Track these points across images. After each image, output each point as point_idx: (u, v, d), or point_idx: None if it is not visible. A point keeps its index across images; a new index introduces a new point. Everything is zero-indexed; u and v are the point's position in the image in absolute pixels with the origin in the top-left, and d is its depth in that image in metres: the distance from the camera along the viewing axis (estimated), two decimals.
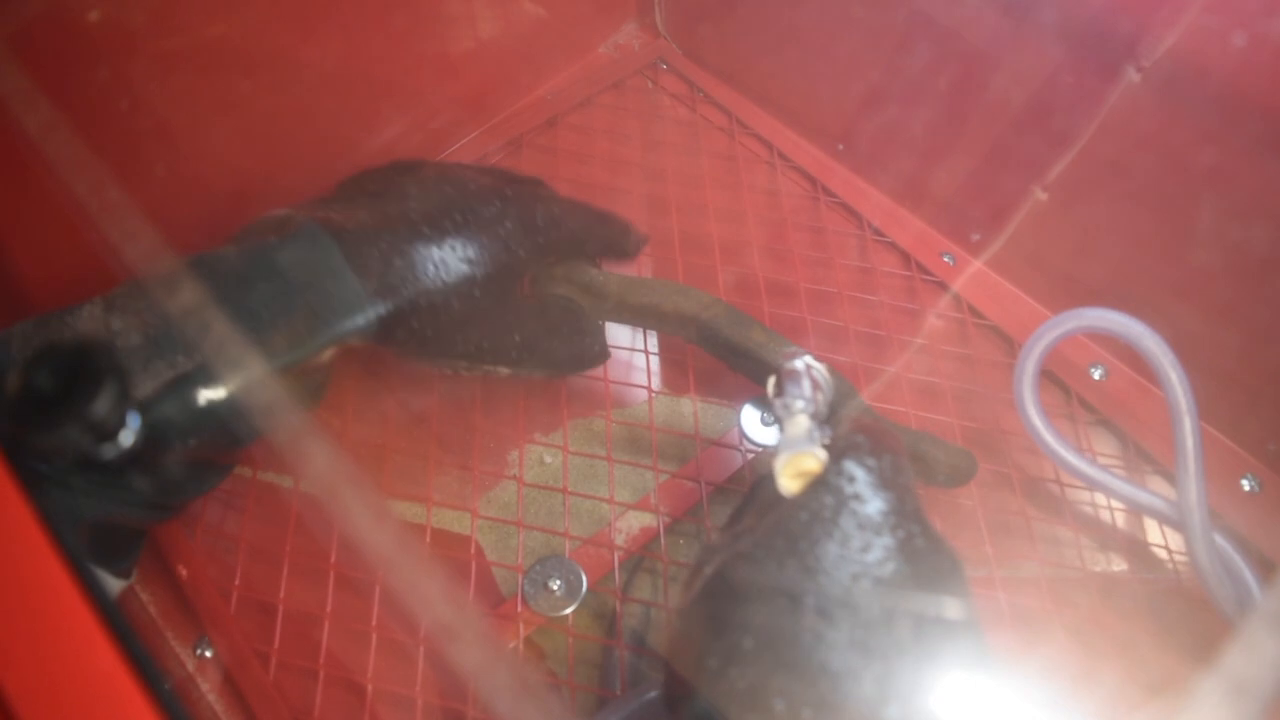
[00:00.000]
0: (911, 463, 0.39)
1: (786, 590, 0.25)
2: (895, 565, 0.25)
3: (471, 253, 0.37)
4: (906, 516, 0.27)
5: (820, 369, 0.34)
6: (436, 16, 0.51)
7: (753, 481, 0.33)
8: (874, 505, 0.26)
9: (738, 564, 0.27)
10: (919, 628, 0.25)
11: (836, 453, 0.28)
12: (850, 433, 0.29)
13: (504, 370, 0.40)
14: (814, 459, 0.28)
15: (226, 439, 0.34)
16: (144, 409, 0.31)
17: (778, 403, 0.31)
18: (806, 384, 0.32)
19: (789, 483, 0.28)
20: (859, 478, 0.27)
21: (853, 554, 0.25)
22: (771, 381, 0.34)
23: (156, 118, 0.41)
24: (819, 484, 0.27)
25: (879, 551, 0.26)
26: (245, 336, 0.33)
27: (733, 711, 0.24)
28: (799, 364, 0.33)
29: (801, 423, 0.29)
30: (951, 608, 0.26)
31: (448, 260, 0.37)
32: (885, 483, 0.27)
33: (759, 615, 0.25)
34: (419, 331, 0.37)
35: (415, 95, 0.52)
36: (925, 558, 0.26)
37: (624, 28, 0.63)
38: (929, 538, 0.27)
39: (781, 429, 0.30)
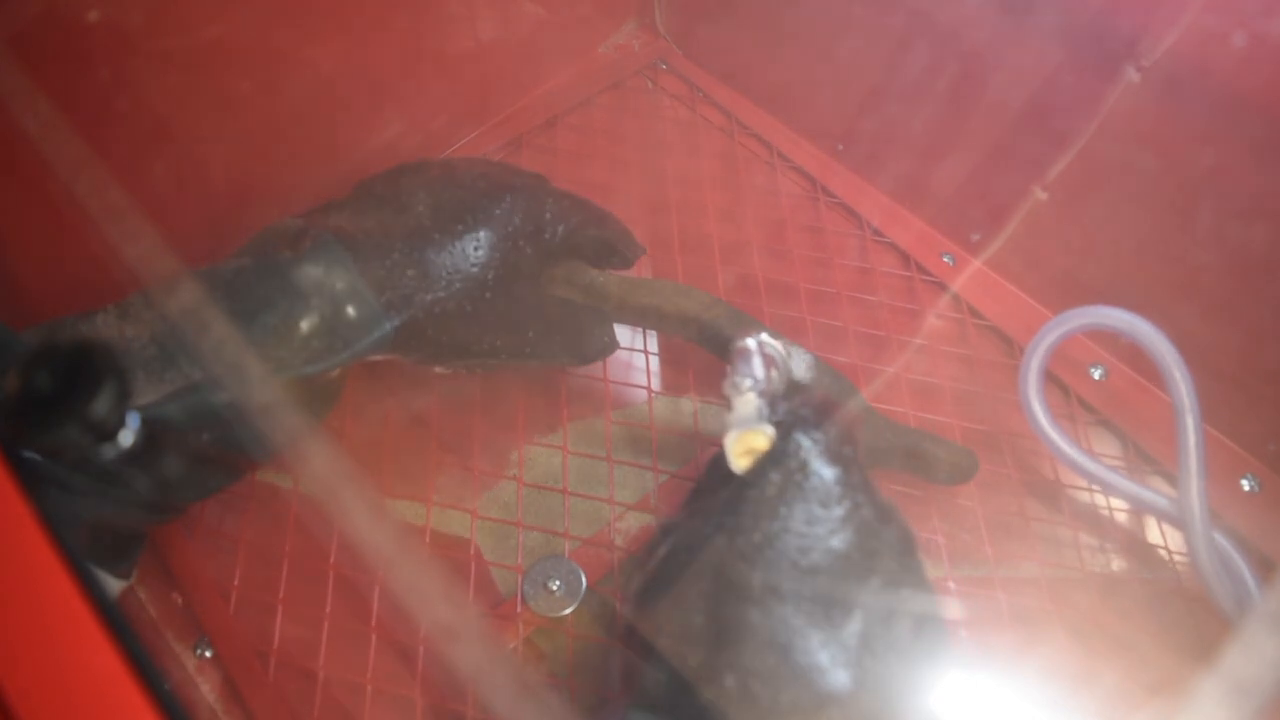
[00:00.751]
0: (913, 460, 0.39)
1: (734, 567, 0.25)
2: (842, 536, 0.26)
3: (482, 255, 0.37)
4: (852, 488, 0.27)
5: (776, 345, 0.34)
6: (436, 16, 0.51)
7: (706, 462, 0.33)
8: (819, 478, 0.27)
9: (688, 544, 0.27)
10: (866, 597, 0.25)
11: (784, 428, 0.28)
12: (797, 406, 0.29)
13: (516, 363, 0.40)
14: (763, 436, 0.28)
15: (236, 449, 0.35)
16: (154, 416, 0.31)
17: (725, 382, 0.31)
18: (757, 361, 0.32)
19: (739, 460, 0.28)
20: (804, 450, 0.27)
21: (799, 527, 0.26)
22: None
23: (156, 118, 0.41)
24: (765, 460, 0.27)
25: (826, 524, 0.26)
26: (260, 351, 0.34)
27: (685, 687, 0.24)
28: (750, 342, 0.33)
29: (750, 401, 0.30)
30: (899, 575, 0.26)
31: (459, 265, 0.37)
32: (831, 455, 0.27)
33: (708, 593, 0.25)
34: (434, 338, 0.37)
35: (415, 95, 0.52)
36: (873, 527, 0.26)
37: (624, 28, 0.63)
38: (876, 507, 0.27)
39: (731, 407, 0.30)
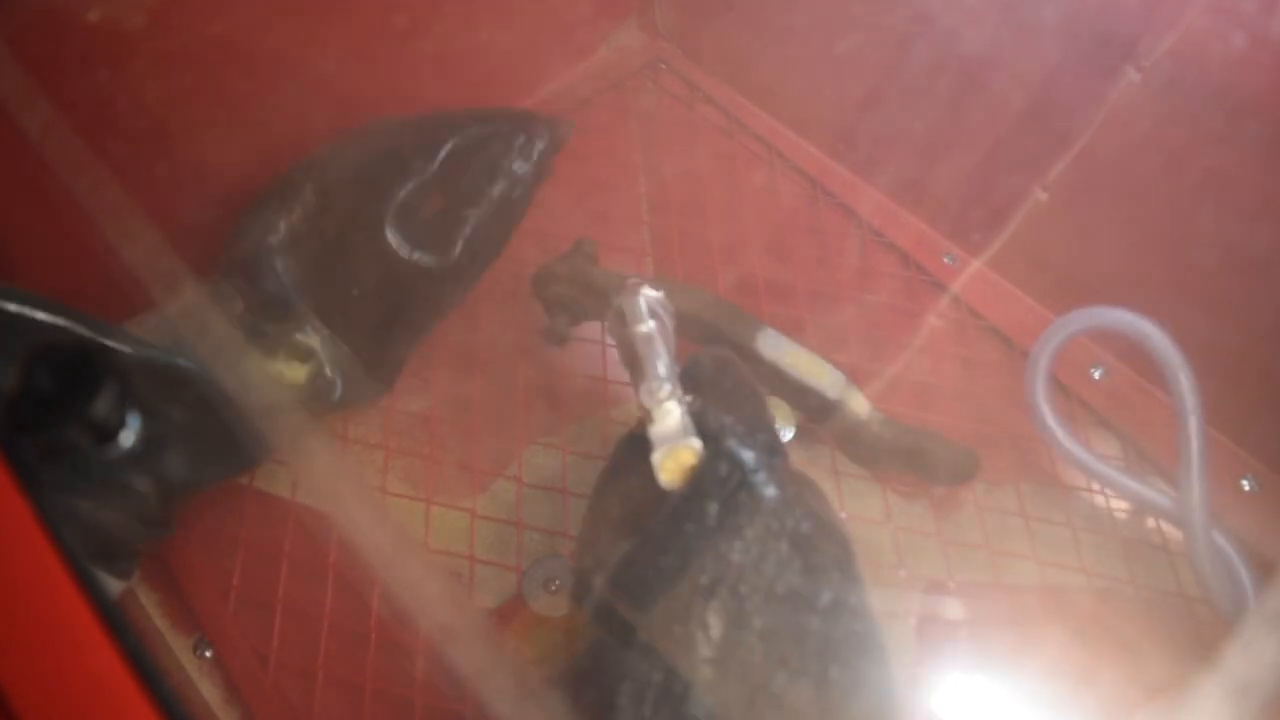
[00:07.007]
0: (914, 460, 0.39)
1: (687, 618, 0.25)
2: (788, 563, 0.25)
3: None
4: (789, 504, 0.26)
5: (659, 295, 0.32)
6: (436, 16, 0.51)
7: (612, 454, 0.31)
8: (759, 502, 0.26)
9: (628, 584, 0.26)
10: (817, 625, 0.25)
11: (713, 443, 0.27)
12: (722, 417, 0.28)
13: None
14: (691, 452, 0.27)
15: (237, 446, 0.35)
16: (156, 414, 0.31)
17: (642, 388, 0.29)
18: (662, 349, 0.30)
19: (668, 478, 0.27)
20: (739, 474, 0.26)
21: (747, 561, 0.25)
22: (610, 323, 0.33)
23: (155, 118, 0.41)
24: (700, 485, 0.26)
25: (772, 555, 0.25)
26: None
27: None
28: (648, 320, 0.31)
29: (671, 410, 0.28)
30: (845, 593, 0.26)
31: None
32: (768, 473, 0.26)
33: (659, 649, 0.25)
34: None
35: (416, 96, 0.52)
36: (814, 542, 0.26)
37: (624, 28, 0.63)
38: (814, 519, 0.26)
39: (650, 419, 0.28)
